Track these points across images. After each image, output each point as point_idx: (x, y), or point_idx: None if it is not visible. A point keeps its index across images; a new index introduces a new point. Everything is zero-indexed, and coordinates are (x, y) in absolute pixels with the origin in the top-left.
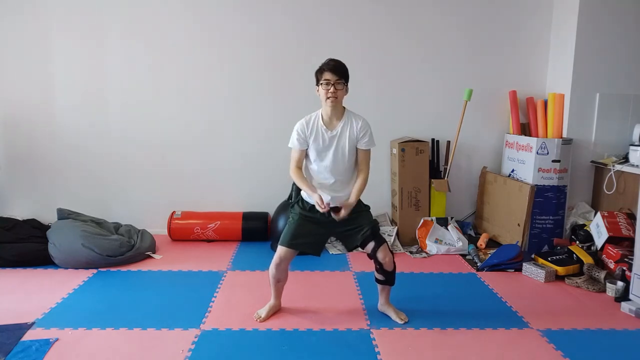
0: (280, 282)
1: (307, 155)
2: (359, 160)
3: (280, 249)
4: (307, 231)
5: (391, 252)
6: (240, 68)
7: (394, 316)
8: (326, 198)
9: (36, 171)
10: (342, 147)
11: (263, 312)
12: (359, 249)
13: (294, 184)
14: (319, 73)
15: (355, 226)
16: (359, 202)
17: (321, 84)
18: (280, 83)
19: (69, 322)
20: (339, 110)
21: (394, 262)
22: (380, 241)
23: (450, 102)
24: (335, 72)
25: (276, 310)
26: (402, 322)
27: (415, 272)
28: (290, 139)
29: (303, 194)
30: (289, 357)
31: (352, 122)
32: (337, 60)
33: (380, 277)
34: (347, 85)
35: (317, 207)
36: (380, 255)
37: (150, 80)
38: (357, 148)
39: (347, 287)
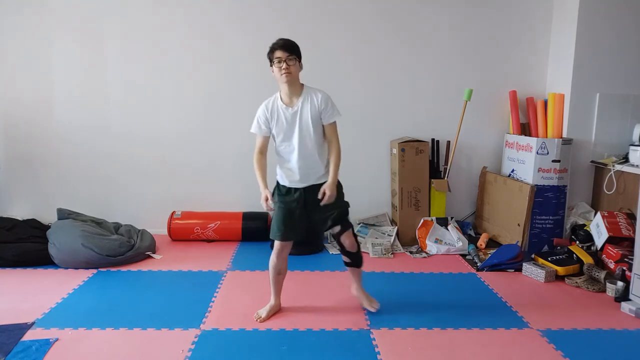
0: (280, 274)
1: (274, 138)
2: (327, 135)
3: (277, 242)
4: (291, 221)
5: (354, 235)
6: (240, 67)
7: (365, 303)
8: (295, 176)
9: (36, 171)
10: (306, 122)
11: (263, 313)
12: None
13: None
14: (270, 53)
15: (328, 209)
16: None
17: (274, 62)
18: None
19: (69, 322)
20: (296, 87)
21: (357, 243)
22: (346, 226)
23: (450, 102)
24: (285, 49)
25: (276, 311)
26: (374, 310)
27: (415, 272)
28: (253, 124)
29: (278, 177)
30: (289, 357)
31: (312, 97)
32: (286, 38)
33: (346, 259)
34: (300, 62)
35: (263, 204)
36: (342, 237)
37: (150, 80)
38: (322, 125)
39: (347, 287)
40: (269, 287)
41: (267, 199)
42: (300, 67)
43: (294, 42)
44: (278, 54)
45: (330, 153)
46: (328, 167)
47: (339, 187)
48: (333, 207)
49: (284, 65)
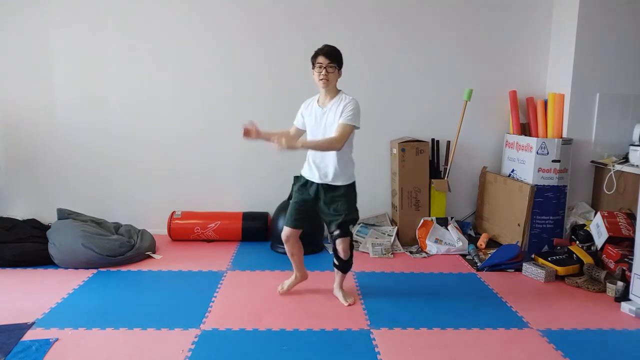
0: (294, 255)
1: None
2: (336, 128)
3: (284, 228)
4: (302, 211)
5: (351, 246)
6: (240, 68)
7: (341, 299)
8: (313, 170)
9: (36, 171)
10: (330, 123)
11: (285, 284)
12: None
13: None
14: (314, 57)
15: (335, 212)
16: (349, 185)
17: (315, 66)
18: (279, 83)
19: (69, 322)
20: (332, 92)
21: (351, 253)
22: (345, 233)
23: (450, 102)
24: (328, 56)
25: (301, 281)
26: (348, 304)
27: (415, 272)
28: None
29: (302, 169)
30: (289, 357)
31: (342, 101)
32: (330, 45)
33: (336, 261)
34: (339, 70)
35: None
36: (338, 241)
37: (150, 80)
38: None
39: (347, 287)
40: (269, 286)
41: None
42: (339, 75)
43: (338, 50)
44: (320, 59)
45: (329, 136)
46: (346, 171)
47: (352, 196)
48: (341, 213)
49: (323, 72)
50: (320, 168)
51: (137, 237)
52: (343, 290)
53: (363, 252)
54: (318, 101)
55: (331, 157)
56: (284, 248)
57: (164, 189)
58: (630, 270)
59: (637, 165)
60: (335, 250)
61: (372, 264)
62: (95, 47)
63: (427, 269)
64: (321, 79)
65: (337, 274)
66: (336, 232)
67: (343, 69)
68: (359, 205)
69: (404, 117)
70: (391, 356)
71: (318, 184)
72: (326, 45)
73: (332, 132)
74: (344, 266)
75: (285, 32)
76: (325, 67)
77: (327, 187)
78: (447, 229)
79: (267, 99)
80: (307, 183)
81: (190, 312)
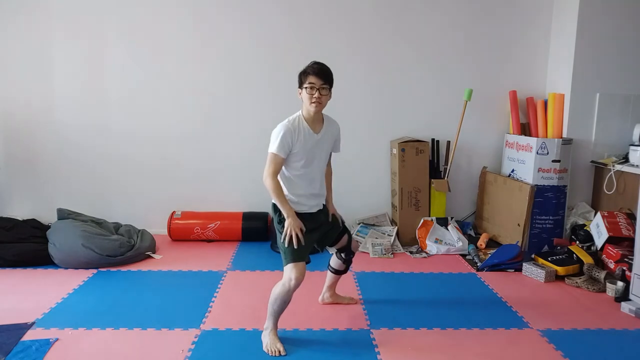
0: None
1: (290, 161)
2: (329, 161)
3: (297, 267)
4: (307, 242)
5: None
6: (240, 68)
7: (345, 301)
8: (317, 199)
9: (36, 171)
10: (327, 150)
11: (281, 347)
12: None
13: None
14: (303, 76)
15: (335, 220)
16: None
17: (305, 87)
18: (280, 83)
19: (69, 322)
20: (321, 115)
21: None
22: (349, 233)
23: (450, 102)
24: (320, 76)
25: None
26: (355, 302)
27: (415, 272)
28: (275, 144)
29: (292, 205)
30: (289, 357)
31: (332, 126)
32: (322, 63)
33: (343, 267)
34: (331, 91)
35: (299, 234)
36: (353, 243)
37: (150, 80)
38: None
39: (347, 287)
40: (269, 286)
41: (301, 229)
42: (330, 97)
43: (330, 70)
44: (312, 79)
45: (328, 175)
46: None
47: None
48: (336, 220)
49: (316, 94)
50: (321, 196)
51: (137, 237)
52: (341, 295)
53: (363, 252)
54: (307, 124)
55: (322, 182)
56: None
57: (164, 189)
58: (630, 270)
59: (637, 165)
60: (348, 255)
61: (372, 264)
62: (96, 46)
63: (427, 269)
64: (313, 102)
65: (335, 280)
66: (347, 237)
67: (349, 69)
68: (358, 205)
69: (404, 117)
70: (391, 356)
71: (316, 211)
72: (317, 63)
73: (326, 158)
74: (350, 264)
75: (284, 32)
76: (318, 89)
77: (321, 209)
78: (447, 229)
79: (267, 99)
80: (308, 215)
81: (190, 312)
